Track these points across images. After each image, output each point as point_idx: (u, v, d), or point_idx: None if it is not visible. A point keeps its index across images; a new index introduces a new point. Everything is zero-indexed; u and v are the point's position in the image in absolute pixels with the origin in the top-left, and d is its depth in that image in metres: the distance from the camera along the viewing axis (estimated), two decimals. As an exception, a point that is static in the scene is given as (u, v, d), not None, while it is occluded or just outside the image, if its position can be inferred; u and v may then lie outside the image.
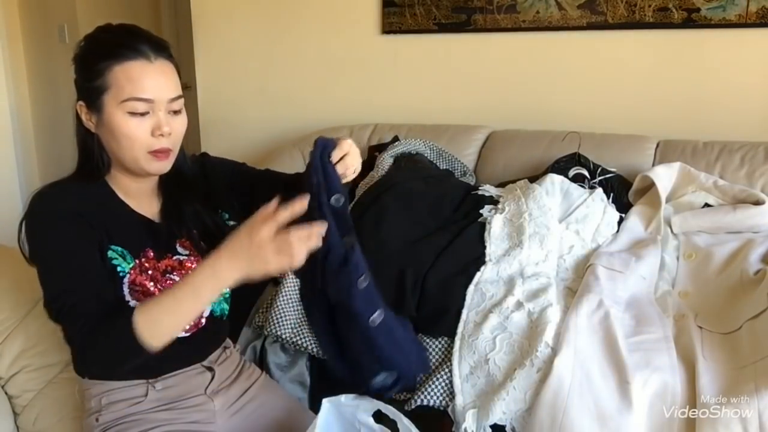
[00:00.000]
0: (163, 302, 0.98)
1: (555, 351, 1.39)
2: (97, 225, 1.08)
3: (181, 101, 1.11)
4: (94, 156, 1.11)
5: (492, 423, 1.34)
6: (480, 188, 2.08)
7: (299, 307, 1.63)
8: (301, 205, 0.95)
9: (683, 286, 1.65)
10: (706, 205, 1.92)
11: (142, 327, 0.95)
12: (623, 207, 1.97)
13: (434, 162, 2.34)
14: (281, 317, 1.61)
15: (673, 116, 2.40)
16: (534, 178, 2.06)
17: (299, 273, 1.05)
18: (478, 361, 1.45)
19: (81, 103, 1.09)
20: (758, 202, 1.83)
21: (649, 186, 1.97)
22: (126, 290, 1.10)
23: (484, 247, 1.75)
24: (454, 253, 1.73)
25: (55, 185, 1.10)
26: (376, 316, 1.04)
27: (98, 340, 0.98)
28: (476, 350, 1.47)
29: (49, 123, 4.00)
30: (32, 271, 1.14)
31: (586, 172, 2.06)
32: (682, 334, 1.45)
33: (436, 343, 1.55)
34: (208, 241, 1.20)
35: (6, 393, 1.42)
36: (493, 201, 1.96)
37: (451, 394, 1.43)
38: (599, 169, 2.08)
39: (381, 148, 2.39)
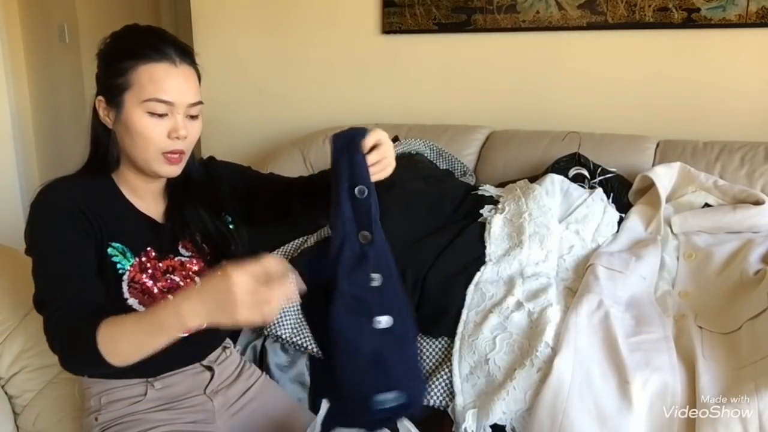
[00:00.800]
0: (126, 326, 0.96)
1: (555, 351, 1.39)
2: (99, 222, 1.09)
3: (200, 107, 1.13)
4: (106, 152, 1.12)
5: (492, 423, 1.34)
6: (480, 188, 2.08)
7: (299, 307, 1.63)
8: (293, 287, 0.89)
9: (683, 286, 1.65)
10: (706, 205, 1.92)
11: (103, 343, 0.94)
12: (623, 207, 1.97)
13: (434, 162, 2.34)
14: (281, 317, 1.61)
15: (673, 116, 2.40)
16: (534, 178, 2.06)
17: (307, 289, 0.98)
18: (478, 361, 1.45)
19: (101, 98, 1.10)
20: (758, 202, 1.83)
21: (649, 186, 1.97)
22: (125, 287, 1.10)
23: (484, 247, 1.75)
24: (454, 253, 1.73)
25: (62, 180, 1.12)
26: (385, 321, 0.98)
27: (63, 339, 0.99)
28: (476, 350, 1.47)
29: (49, 123, 3.99)
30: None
31: (586, 172, 2.06)
32: (682, 334, 1.45)
33: (436, 343, 1.55)
34: (211, 244, 1.21)
35: (6, 393, 1.42)
36: (493, 201, 1.96)
37: (451, 394, 1.43)
38: (599, 169, 2.08)
39: (381, 148, 2.38)
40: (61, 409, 1.38)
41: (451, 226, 1.86)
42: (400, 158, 2.25)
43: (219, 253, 1.22)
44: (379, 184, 1.03)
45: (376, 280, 0.98)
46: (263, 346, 1.65)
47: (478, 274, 1.67)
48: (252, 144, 3.05)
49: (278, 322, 1.61)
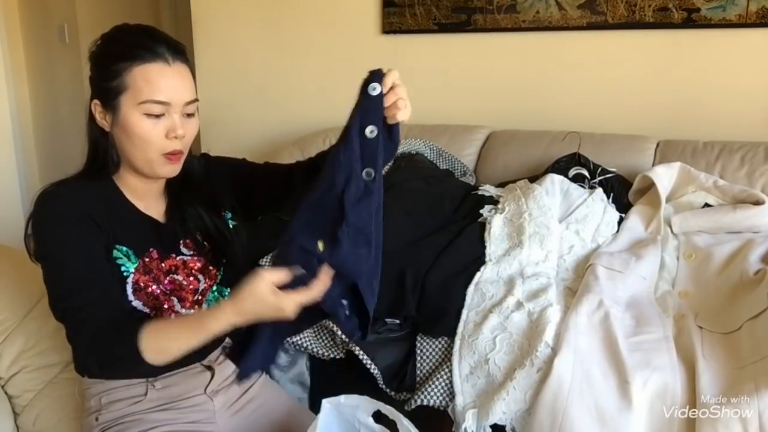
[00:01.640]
0: (171, 332, 1.01)
1: (555, 351, 1.38)
2: (104, 224, 1.08)
3: (196, 105, 1.12)
4: (105, 155, 1.12)
5: (492, 423, 1.34)
6: (480, 188, 2.08)
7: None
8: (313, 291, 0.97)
9: (683, 286, 1.65)
10: (706, 205, 1.92)
11: (148, 348, 0.99)
12: (623, 207, 1.97)
13: (434, 162, 2.34)
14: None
15: (673, 116, 2.39)
16: (534, 178, 2.06)
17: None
18: (478, 361, 1.45)
19: (96, 101, 1.09)
20: (758, 202, 1.83)
21: (649, 186, 1.97)
22: (129, 290, 1.10)
23: (484, 247, 1.75)
24: (454, 253, 1.73)
25: (61, 184, 1.10)
26: (374, 252, 1.03)
27: (103, 347, 1.01)
28: (476, 350, 1.46)
29: (49, 123, 4.00)
30: (32, 271, 1.14)
31: (586, 172, 2.06)
32: (682, 334, 1.45)
33: (436, 343, 1.55)
34: (211, 241, 1.21)
35: (6, 393, 1.42)
36: (493, 201, 1.96)
37: (451, 394, 1.43)
38: (599, 169, 2.08)
39: (381, 148, 2.38)
40: (61, 409, 1.39)
41: (451, 226, 1.86)
42: (400, 158, 2.27)
43: (219, 251, 1.22)
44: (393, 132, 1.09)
45: (374, 214, 1.03)
46: (263, 346, 1.65)
47: (478, 274, 1.67)
48: (252, 144, 3.05)
49: (278, 322, 1.61)
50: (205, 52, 3.06)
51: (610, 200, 1.98)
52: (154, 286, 1.12)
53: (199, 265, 1.19)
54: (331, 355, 1.62)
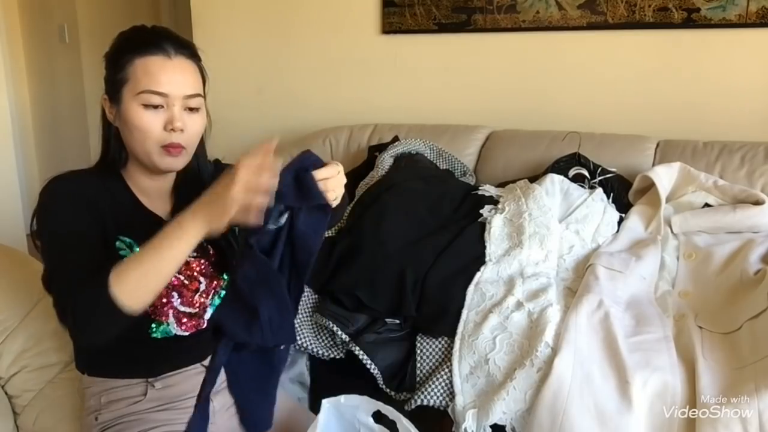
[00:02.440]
0: (133, 257, 0.99)
1: (555, 351, 1.39)
2: (107, 215, 1.10)
3: (200, 100, 1.14)
4: (114, 149, 1.14)
5: (492, 423, 1.34)
6: (480, 188, 2.08)
7: (299, 307, 1.63)
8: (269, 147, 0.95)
9: (683, 286, 1.65)
10: (706, 205, 1.92)
11: (114, 283, 0.94)
12: (623, 207, 1.97)
13: (434, 162, 2.34)
14: (281, 317, 1.61)
15: (673, 116, 2.39)
16: (534, 178, 2.06)
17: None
18: (478, 361, 1.45)
19: (105, 96, 1.13)
20: (758, 202, 1.83)
21: (649, 186, 1.97)
22: None
23: (484, 247, 1.75)
24: (454, 253, 1.73)
25: (73, 172, 1.13)
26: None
27: (80, 301, 0.98)
28: (476, 350, 1.47)
29: (49, 123, 4.00)
30: (32, 271, 1.14)
31: (586, 172, 2.06)
32: (682, 334, 1.45)
33: (436, 343, 1.55)
34: (214, 245, 1.21)
35: (6, 393, 1.42)
36: (493, 201, 1.96)
37: (451, 394, 1.43)
38: (599, 169, 2.08)
39: (381, 148, 2.39)
40: (61, 409, 1.38)
41: (451, 226, 1.86)
42: (400, 158, 2.27)
43: (224, 257, 1.22)
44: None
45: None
46: (263, 346, 1.65)
47: (478, 274, 1.67)
48: (252, 144, 3.03)
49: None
50: (205, 52, 3.05)
51: (610, 200, 1.98)
52: None
53: (201, 267, 1.19)
54: (331, 355, 1.63)
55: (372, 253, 1.71)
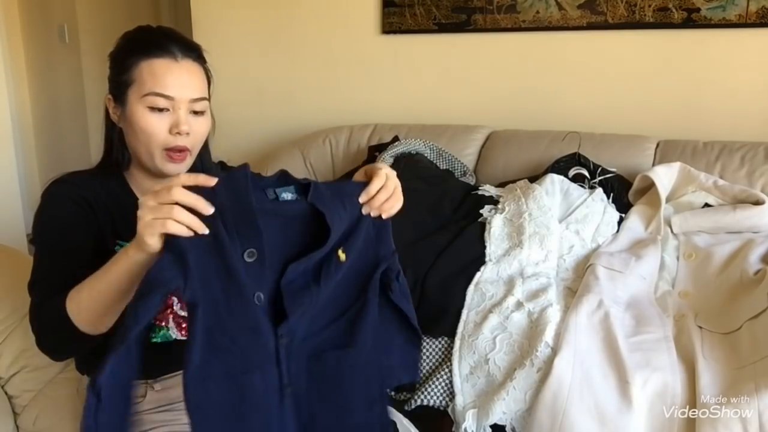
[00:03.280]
0: (89, 278, 0.95)
1: (555, 351, 1.38)
2: (103, 214, 1.09)
3: (205, 103, 1.13)
4: (117, 150, 1.14)
5: (492, 423, 1.34)
6: (480, 188, 2.08)
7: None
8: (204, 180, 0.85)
9: (683, 286, 1.65)
10: (706, 205, 1.92)
11: (69, 302, 0.94)
12: (623, 207, 1.97)
13: (434, 162, 2.34)
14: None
15: (673, 116, 2.39)
16: (534, 178, 2.06)
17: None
18: (478, 361, 1.45)
19: (109, 96, 1.12)
20: (758, 202, 1.83)
21: (649, 186, 1.97)
22: None
23: (484, 247, 1.75)
24: (454, 253, 1.73)
25: (74, 174, 1.13)
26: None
27: (42, 314, 0.99)
28: (476, 350, 1.47)
29: (49, 123, 4.00)
30: (32, 271, 1.13)
31: (586, 172, 2.06)
32: (682, 334, 1.45)
33: (436, 343, 1.55)
34: None
35: (6, 393, 1.42)
36: (493, 201, 1.96)
37: (451, 394, 1.43)
38: (599, 169, 2.08)
39: (381, 148, 2.39)
40: (61, 409, 1.38)
41: (451, 226, 1.86)
42: (400, 158, 2.27)
43: None
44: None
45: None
46: (263, 346, 1.65)
47: (478, 274, 1.67)
48: (252, 144, 3.05)
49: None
50: (206, 52, 3.06)
51: (610, 200, 1.98)
52: None
53: None
54: (331, 355, 1.62)
55: (372, 253, 1.71)
